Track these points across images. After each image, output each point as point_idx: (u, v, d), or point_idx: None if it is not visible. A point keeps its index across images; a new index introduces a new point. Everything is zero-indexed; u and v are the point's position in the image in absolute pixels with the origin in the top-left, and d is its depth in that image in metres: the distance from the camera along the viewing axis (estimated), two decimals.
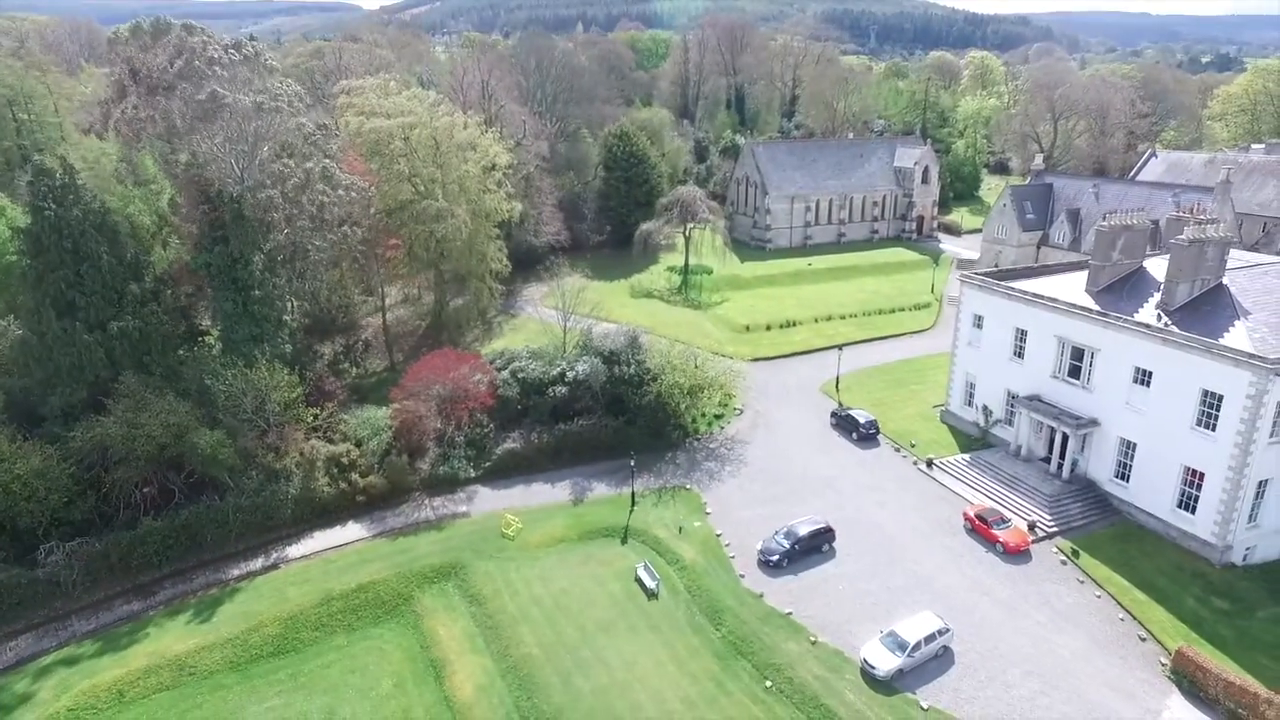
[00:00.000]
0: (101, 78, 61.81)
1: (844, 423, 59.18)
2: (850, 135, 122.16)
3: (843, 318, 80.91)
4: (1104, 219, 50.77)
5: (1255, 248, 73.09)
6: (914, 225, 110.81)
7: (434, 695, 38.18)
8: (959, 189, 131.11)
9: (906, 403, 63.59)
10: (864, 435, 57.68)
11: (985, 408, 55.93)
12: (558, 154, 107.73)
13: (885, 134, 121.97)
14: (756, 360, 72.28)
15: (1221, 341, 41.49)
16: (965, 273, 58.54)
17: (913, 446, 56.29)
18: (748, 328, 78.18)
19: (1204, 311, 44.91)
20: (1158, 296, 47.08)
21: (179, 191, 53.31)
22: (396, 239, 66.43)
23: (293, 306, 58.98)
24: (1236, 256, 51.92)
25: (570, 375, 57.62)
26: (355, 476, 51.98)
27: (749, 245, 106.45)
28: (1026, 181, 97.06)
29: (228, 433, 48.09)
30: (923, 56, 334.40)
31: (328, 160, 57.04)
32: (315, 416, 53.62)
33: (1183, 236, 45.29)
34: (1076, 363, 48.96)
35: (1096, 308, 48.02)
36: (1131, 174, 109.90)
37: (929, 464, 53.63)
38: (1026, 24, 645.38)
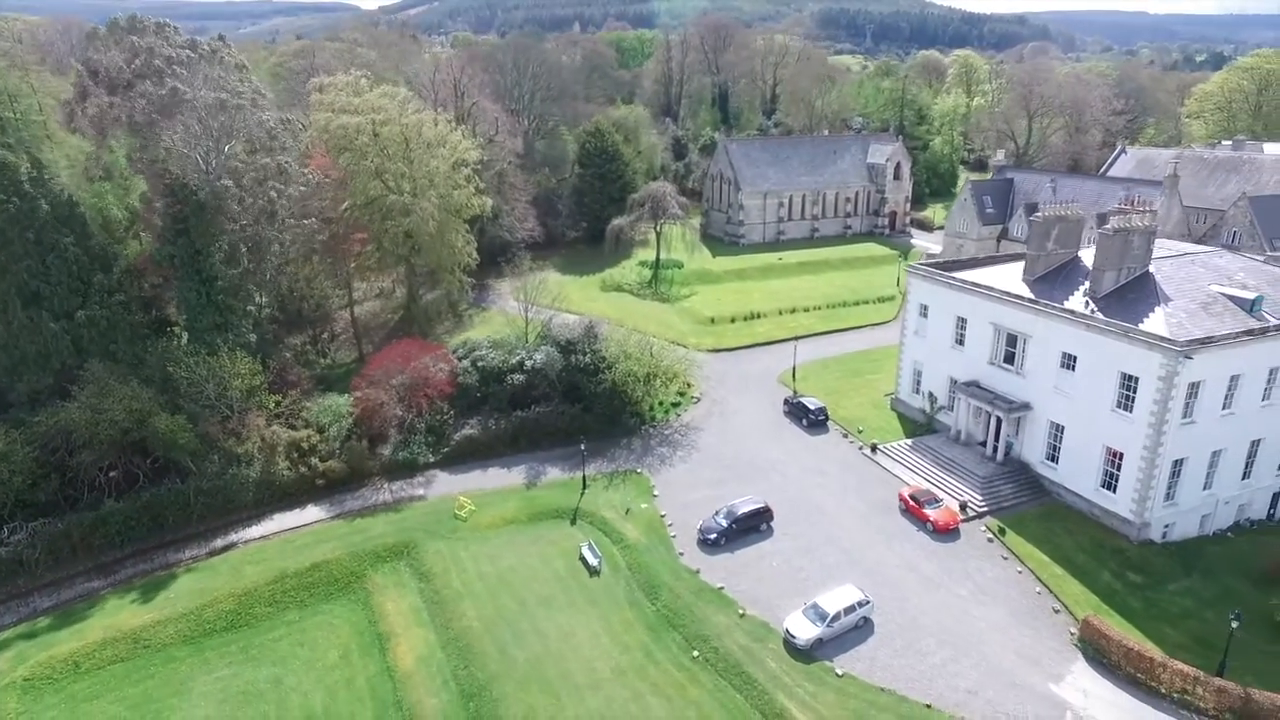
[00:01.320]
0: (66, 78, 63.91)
1: (795, 410, 60.79)
2: (826, 132, 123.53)
3: (807, 310, 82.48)
4: (1039, 211, 52.36)
5: (1204, 240, 74.58)
6: (886, 221, 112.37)
7: (377, 666, 39.84)
8: (935, 185, 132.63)
9: (860, 391, 65.16)
10: (814, 422, 59.30)
11: (931, 394, 57.51)
12: (537, 151, 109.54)
13: (864, 131, 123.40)
14: (718, 351, 73.90)
15: (1139, 327, 43.09)
16: (911, 264, 60.12)
17: (860, 432, 57.90)
18: (712, 320, 79.79)
19: (1129, 299, 46.48)
20: (1088, 284, 48.66)
21: (150, 186, 55.00)
22: (363, 233, 67.98)
23: (258, 298, 60.55)
24: (1169, 247, 53.64)
25: (528, 364, 59.26)
26: (315, 461, 53.66)
27: (723, 240, 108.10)
28: (989, 176, 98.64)
29: (189, 417, 49.73)
30: (916, 55, 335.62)
31: (283, 156, 58.54)
32: (277, 403, 55.25)
33: (1108, 227, 46.86)
34: (1011, 349, 50.57)
35: (1029, 295, 49.62)
36: (1102, 170, 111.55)
37: (873, 449, 55.24)
38: (1023, 23, 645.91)
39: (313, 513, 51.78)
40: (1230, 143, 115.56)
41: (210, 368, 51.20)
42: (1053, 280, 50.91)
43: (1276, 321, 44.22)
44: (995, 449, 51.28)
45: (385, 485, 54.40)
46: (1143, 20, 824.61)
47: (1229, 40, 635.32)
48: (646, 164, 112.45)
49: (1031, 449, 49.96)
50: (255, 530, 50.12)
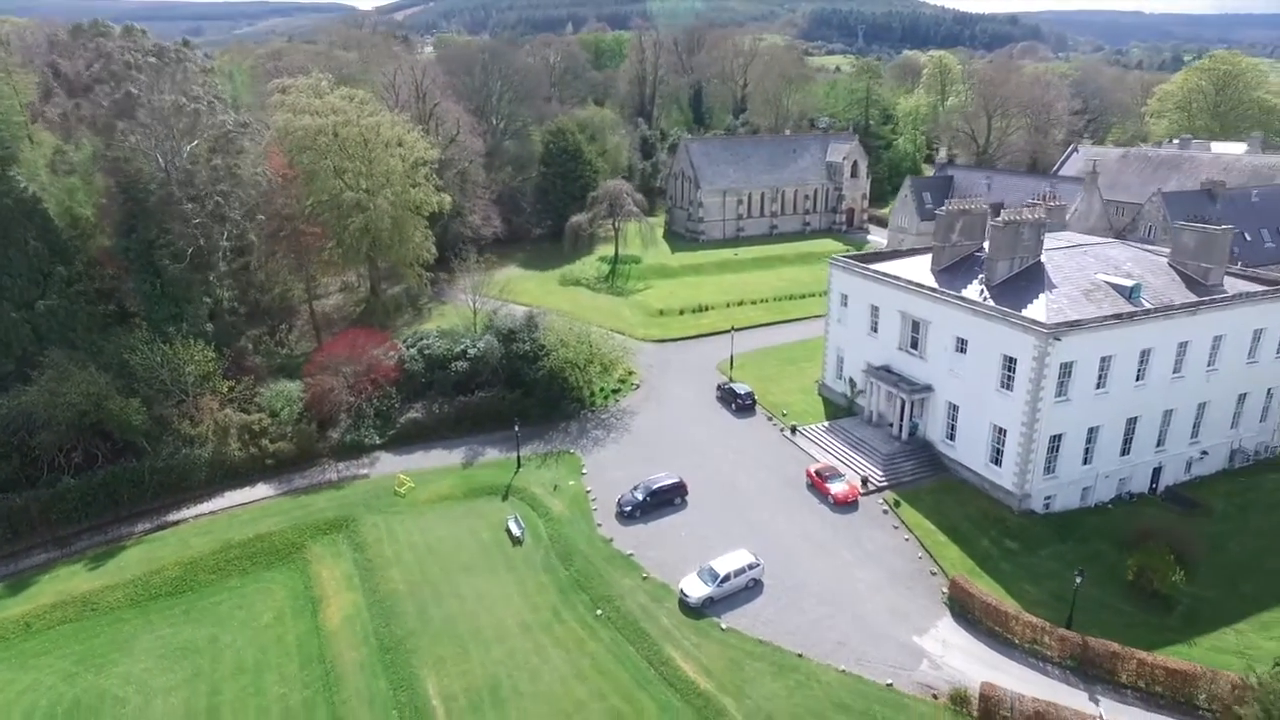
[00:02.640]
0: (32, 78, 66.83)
1: (726, 395, 64.10)
2: (787, 132, 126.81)
3: (754, 303, 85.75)
4: (945, 206, 55.70)
5: (1124, 233, 77.90)
6: (844, 217, 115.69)
7: (308, 625, 43.16)
8: (898, 183, 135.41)
9: (793, 378, 68.42)
10: (742, 406, 62.60)
11: (851, 380, 60.80)
12: (506, 150, 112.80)
13: (829, 131, 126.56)
14: (663, 341, 77.20)
15: (1020, 312, 46.39)
16: (832, 256, 63.44)
17: (784, 415, 61.19)
18: (661, 312, 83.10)
19: (1020, 286, 49.75)
20: (984, 274, 51.94)
21: (106, 183, 58.19)
22: (317, 228, 71.15)
23: (217, 290, 63.69)
24: (1066, 239, 57.08)
25: (471, 352, 62.56)
26: (266, 442, 56.91)
27: (684, 237, 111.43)
28: (931, 174, 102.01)
29: (143, 401, 53.01)
30: (900, 56, 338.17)
31: (236, 159, 61.86)
32: (231, 389, 58.51)
33: (998, 220, 50.17)
34: (915, 335, 53.88)
35: (931, 284, 52.93)
36: (1056, 168, 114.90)
37: (793, 430, 58.55)
38: (1015, 23, 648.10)
39: (262, 490, 55.09)
40: (1178, 141, 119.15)
41: (164, 355, 54.46)
42: (956, 270, 54.21)
43: (1150, 307, 47.60)
44: (902, 429, 54.59)
45: (332, 465, 57.72)
46: (1138, 20, 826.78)
47: (1223, 40, 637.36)
48: (612, 163, 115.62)
49: (933, 428, 53.31)
50: (206, 506, 53.43)
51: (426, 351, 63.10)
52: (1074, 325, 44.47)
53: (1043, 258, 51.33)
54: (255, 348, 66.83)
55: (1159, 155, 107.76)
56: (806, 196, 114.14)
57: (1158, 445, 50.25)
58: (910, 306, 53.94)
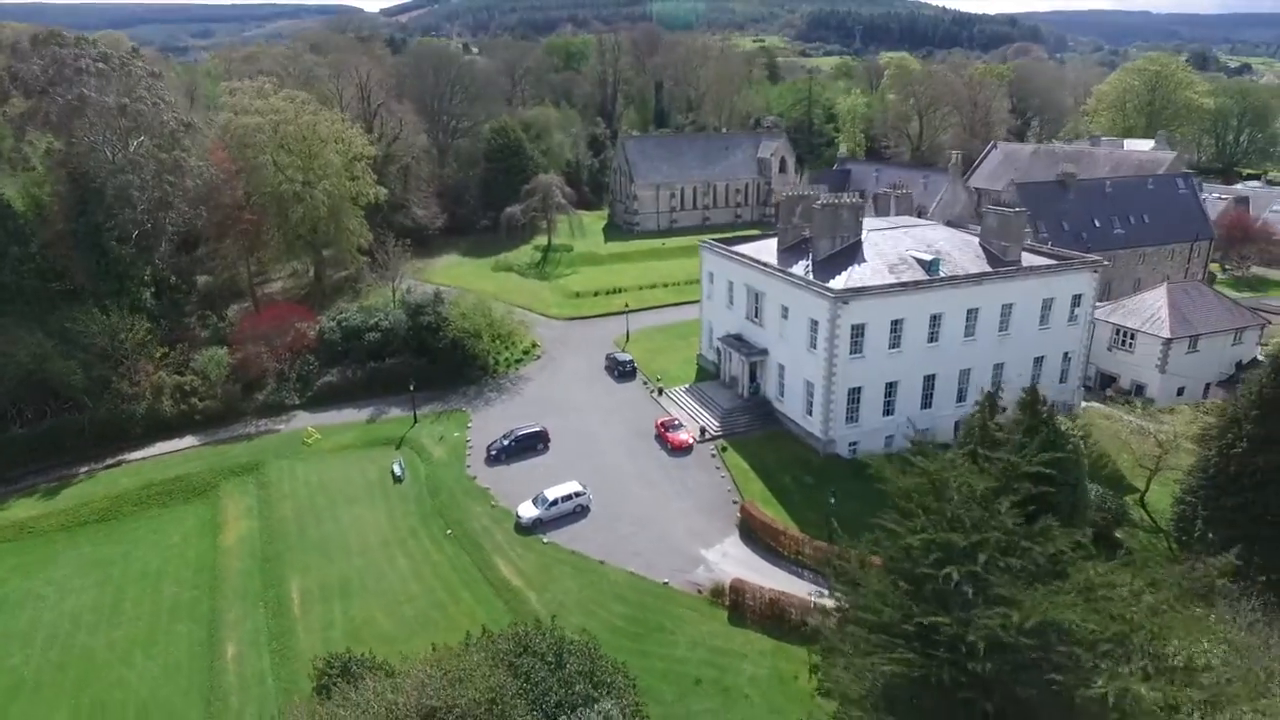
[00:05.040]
0: None
1: (611, 364, 71.72)
2: (724, 130, 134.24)
3: (665, 286, 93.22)
4: (785, 192, 63.15)
5: None
6: (774, 210, 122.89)
7: (208, 544, 51.07)
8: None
9: (679, 350, 75.87)
10: (623, 373, 70.21)
11: (718, 348, 68.32)
12: (456, 148, 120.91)
13: (774, 128, 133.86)
14: (574, 319, 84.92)
15: (829, 283, 53.79)
16: (702, 240, 70.98)
17: (658, 380, 68.71)
18: (577, 294, 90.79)
19: (838, 261, 57.10)
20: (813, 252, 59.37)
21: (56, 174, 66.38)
22: (255, 216, 79.18)
23: (162, 270, 71.85)
24: (901, 222, 64.41)
25: (383, 324, 70.46)
26: (195, 400, 64.98)
27: (622, 228, 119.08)
28: (833, 168, 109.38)
29: (81, 364, 61.15)
30: (880, 57, 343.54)
31: (179, 152, 70.04)
32: (165, 354, 66.59)
33: (819, 203, 57.63)
34: (757, 305, 61.38)
35: (770, 262, 60.38)
36: (976, 164, 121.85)
37: (659, 392, 66.15)
38: (1014, 24, 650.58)
39: (189, 441, 63.18)
40: (1089, 140, 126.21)
41: (102, 324, 62.58)
42: (794, 250, 61.59)
43: (944, 276, 54.95)
44: (745, 388, 62.13)
45: (254, 421, 65.71)
46: (1145, 20, 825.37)
47: (1227, 40, 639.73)
48: (555, 160, 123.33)
49: (769, 387, 60.83)
50: (139, 453, 61.52)
51: (343, 323, 71.07)
52: (860, 292, 51.92)
53: (864, 237, 58.73)
54: (197, 321, 74.82)
55: (1064, 151, 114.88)
56: (738, 190, 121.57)
57: (958, 400, 57.53)
58: (753, 281, 61.46)
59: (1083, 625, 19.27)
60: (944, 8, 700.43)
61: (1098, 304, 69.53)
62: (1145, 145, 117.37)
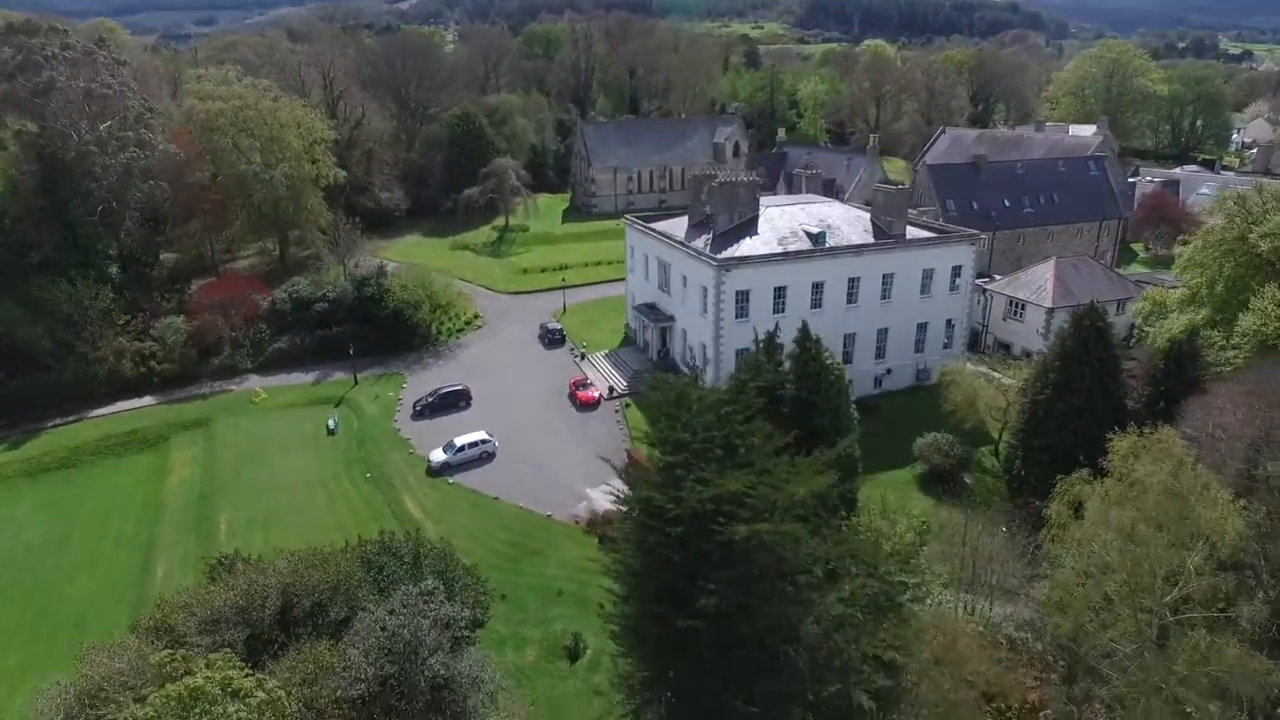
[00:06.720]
0: None
1: (543, 333, 77.15)
2: (683, 115, 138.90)
3: (609, 263, 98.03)
4: (691, 172, 68.22)
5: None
6: None
7: (154, 485, 56.88)
8: None
9: (611, 321, 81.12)
10: (552, 340, 75.64)
11: (638, 317, 73.61)
12: (427, 133, 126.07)
13: (731, 115, 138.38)
14: (519, 293, 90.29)
15: (719, 254, 58.96)
16: (627, 217, 76.19)
17: (584, 346, 74.12)
18: (525, 270, 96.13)
19: (735, 235, 62.27)
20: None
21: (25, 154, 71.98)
22: (219, 196, 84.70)
23: (125, 245, 77.52)
24: (800, 200, 69.45)
25: (331, 295, 76.03)
26: (154, 364, 70.72)
27: (581, 210, 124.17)
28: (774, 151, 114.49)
29: (46, 329, 66.90)
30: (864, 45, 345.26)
31: (145, 132, 75.60)
32: (127, 322, 72.25)
33: (716, 180, 62.75)
34: (666, 277, 66.65)
35: (675, 235, 65.53)
36: (925, 148, 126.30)
37: (582, 357, 71.60)
38: (1015, 10, 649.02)
39: (147, 400, 68.95)
40: (1035, 125, 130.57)
41: (68, 294, 68.26)
42: (701, 225, 66.70)
43: (813, 248, 59.96)
44: (658, 352, 67.50)
45: (209, 383, 71.43)
46: (1153, 5, 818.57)
47: (1235, 26, 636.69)
48: (520, 145, 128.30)
49: (677, 350, 66.20)
50: (101, 411, 67.28)
51: (294, 294, 76.67)
52: (744, 261, 57.17)
53: (761, 212, 63.85)
54: (160, 293, 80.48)
55: (1005, 136, 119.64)
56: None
57: (844, 362, 62.49)
58: (662, 254, 66.71)
59: (749, 493, 24.75)
60: None
61: (996, 277, 74.82)
62: (1088, 130, 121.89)
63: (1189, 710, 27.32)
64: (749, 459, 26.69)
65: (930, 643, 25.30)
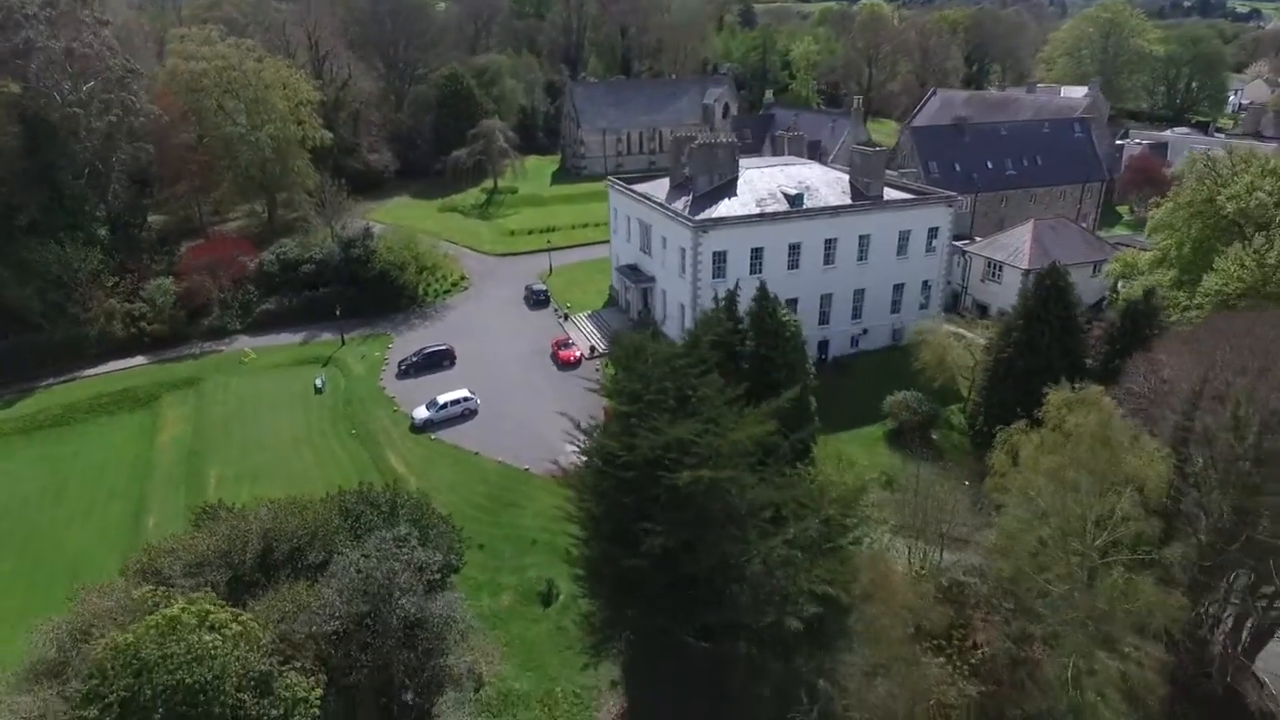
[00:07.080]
0: None
1: (529, 294, 78.19)
2: (674, 76, 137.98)
3: (596, 225, 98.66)
4: (672, 133, 68.65)
5: (894, 159, 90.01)
6: None
7: (145, 443, 58.36)
8: None
9: (597, 283, 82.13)
10: (537, 301, 76.74)
11: (620, 278, 74.60)
12: (416, 94, 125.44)
13: (722, 76, 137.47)
14: (506, 255, 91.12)
15: (699, 215, 59.74)
16: (609, 179, 76.72)
17: (568, 307, 75.23)
18: (513, 232, 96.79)
19: (714, 196, 62.98)
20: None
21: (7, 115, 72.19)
22: (206, 158, 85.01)
23: (113, 206, 78.13)
24: (778, 161, 69.95)
25: (318, 257, 76.87)
26: (144, 325, 71.82)
27: (571, 171, 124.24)
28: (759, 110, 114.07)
29: (36, 291, 67.87)
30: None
31: (126, 94, 75.76)
32: (116, 283, 73.16)
33: (695, 142, 63.26)
34: (647, 238, 67.48)
35: (656, 197, 66.22)
36: (916, 109, 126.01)
37: (566, 318, 72.75)
38: None
39: (138, 360, 70.20)
40: (1026, 86, 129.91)
41: (57, 255, 69.09)
42: (681, 187, 67.35)
43: (790, 210, 60.71)
44: (639, 313, 68.63)
45: (199, 344, 72.63)
46: None
47: None
48: (509, 106, 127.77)
49: (657, 310, 67.33)
50: (93, 370, 68.56)
51: (281, 256, 77.50)
52: (720, 222, 58.01)
53: (741, 174, 64.45)
54: (149, 254, 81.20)
55: (995, 97, 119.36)
56: None
57: (821, 322, 63.88)
58: (644, 215, 67.46)
59: (695, 440, 26.18)
60: None
61: (978, 239, 75.68)
62: (1079, 91, 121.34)
63: (1116, 645, 29.15)
64: (700, 409, 28.06)
65: (863, 579, 26.95)
